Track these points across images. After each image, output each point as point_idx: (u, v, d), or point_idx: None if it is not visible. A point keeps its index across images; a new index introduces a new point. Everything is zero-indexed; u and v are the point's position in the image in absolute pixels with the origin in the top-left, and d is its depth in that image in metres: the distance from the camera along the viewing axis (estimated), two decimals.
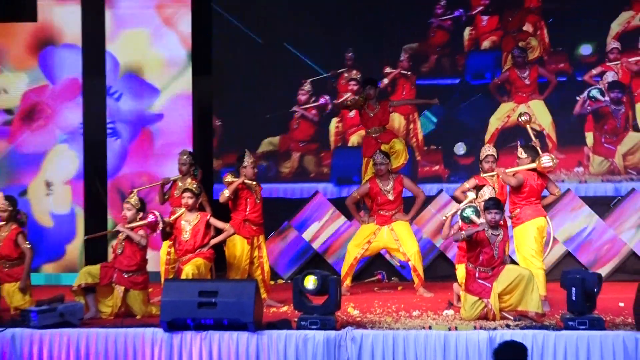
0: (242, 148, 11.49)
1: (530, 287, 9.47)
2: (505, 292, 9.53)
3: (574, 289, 8.87)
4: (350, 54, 13.45)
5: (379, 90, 12.65)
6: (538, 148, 10.68)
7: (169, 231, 10.57)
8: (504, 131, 13.07)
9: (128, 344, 9.12)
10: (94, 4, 13.31)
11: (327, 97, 13.52)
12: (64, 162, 13.28)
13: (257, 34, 13.49)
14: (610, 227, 12.58)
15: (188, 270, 10.19)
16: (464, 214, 9.78)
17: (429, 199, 12.48)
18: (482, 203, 9.78)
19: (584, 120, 13.06)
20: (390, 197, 11.52)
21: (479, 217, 9.68)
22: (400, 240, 11.46)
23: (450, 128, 13.28)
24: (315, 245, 12.99)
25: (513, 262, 10.72)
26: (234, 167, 11.31)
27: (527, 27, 13.31)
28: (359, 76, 13.36)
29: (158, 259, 11.41)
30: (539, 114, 13.01)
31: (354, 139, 13.41)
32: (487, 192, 10.05)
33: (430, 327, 9.13)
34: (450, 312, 10.03)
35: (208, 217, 10.62)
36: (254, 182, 11.03)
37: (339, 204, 12.80)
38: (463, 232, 9.59)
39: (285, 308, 10.56)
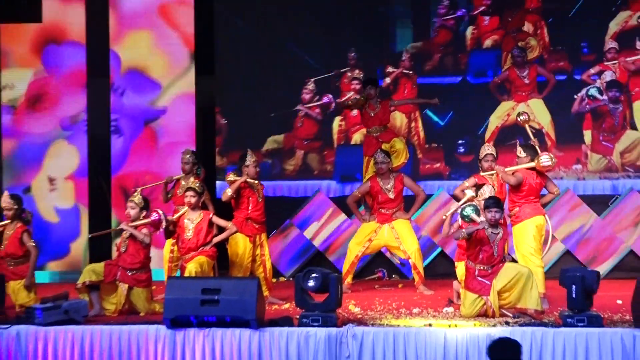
0: (246, 147, 11.52)
1: (529, 284, 9.47)
2: (504, 290, 9.54)
3: (574, 286, 8.86)
4: (352, 54, 13.51)
5: (381, 89, 12.72)
6: (537, 147, 10.70)
7: (172, 229, 10.58)
8: (503, 130, 13.11)
9: (132, 341, 9.13)
10: (98, 4, 13.34)
11: (330, 96, 13.57)
12: (64, 157, 13.30)
13: (259, 34, 13.54)
14: (608, 225, 12.64)
15: (191, 268, 10.21)
16: (464, 213, 9.80)
17: (429, 197, 12.55)
18: (482, 202, 9.81)
19: (582, 119, 13.10)
20: (391, 195, 11.58)
21: (479, 215, 9.69)
22: (401, 238, 11.51)
23: (450, 127, 13.34)
24: (317, 243, 13.03)
25: (514, 260, 10.76)
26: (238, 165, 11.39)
27: (527, 27, 13.34)
28: (361, 75, 13.41)
29: (161, 257, 11.49)
30: (538, 113, 13.05)
31: (356, 137, 13.46)
32: (486, 191, 10.08)
33: (430, 325, 9.17)
34: (450, 309, 10.04)
35: (211, 215, 10.64)
36: (256, 181, 11.07)
37: (341, 201, 12.80)
38: (463, 230, 9.60)
39: (287, 305, 10.59)
